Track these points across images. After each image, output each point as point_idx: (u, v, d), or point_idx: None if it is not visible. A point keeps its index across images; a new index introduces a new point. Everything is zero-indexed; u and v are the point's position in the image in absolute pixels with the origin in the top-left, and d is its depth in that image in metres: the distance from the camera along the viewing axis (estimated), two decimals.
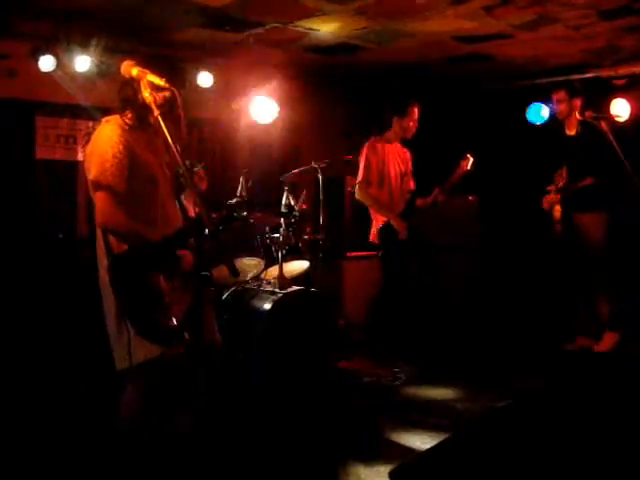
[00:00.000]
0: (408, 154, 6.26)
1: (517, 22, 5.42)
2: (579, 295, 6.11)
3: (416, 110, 5.95)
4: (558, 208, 5.93)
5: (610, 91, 6.70)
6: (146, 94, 2.97)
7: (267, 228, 5.00)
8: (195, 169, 5.84)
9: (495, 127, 7.23)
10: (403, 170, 6.16)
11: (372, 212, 6.11)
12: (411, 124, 5.98)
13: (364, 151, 6.03)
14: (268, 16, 5.33)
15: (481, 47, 6.22)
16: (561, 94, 5.88)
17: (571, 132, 5.96)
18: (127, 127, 3.15)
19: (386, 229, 5.88)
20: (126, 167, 3.05)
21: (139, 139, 3.18)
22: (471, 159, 5.91)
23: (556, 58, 6.57)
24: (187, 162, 5.88)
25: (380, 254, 6.06)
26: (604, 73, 6.66)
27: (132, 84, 3.11)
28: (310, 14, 5.25)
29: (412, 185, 6.18)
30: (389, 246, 5.91)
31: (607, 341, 5.92)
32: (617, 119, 5.91)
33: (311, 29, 5.66)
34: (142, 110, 3.12)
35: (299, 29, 5.66)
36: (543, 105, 6.66)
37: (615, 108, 6.23)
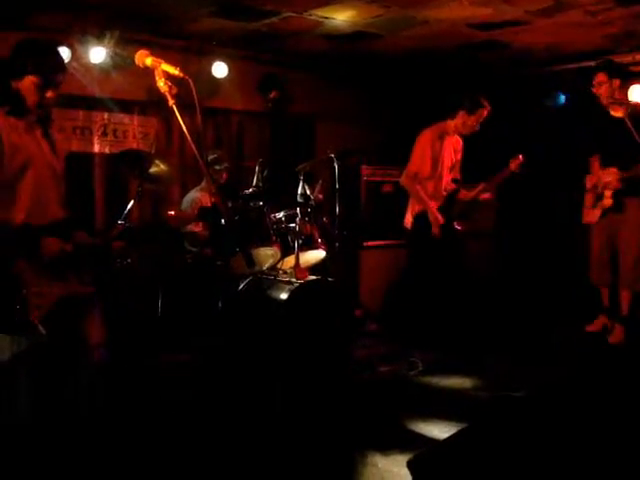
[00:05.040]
0: (461, 144, 6.21)
1: (533, 8, 5.37)
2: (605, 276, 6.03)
3: (485, 112, 5.88)
4: (609, 194, 5.76)
5: (628, 78, 6.62)
6: (160, 83, 2.97)
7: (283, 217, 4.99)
8: (217, 167, 5.83)
9: (512, 114, 7.16)
10: (455, 160, 6.13)
11: (411, 199, 6.08)
12: (475, 124, 5.92)
13: (422, 140, 5.97)
14: (283, 5, 5.31)
15: (496, 34, 6.16)
16: (601, 76, 5.71)
17: (617, 114, 5.74)
18: (4, 114, 3.13)
19: (422, 218, 5.85)
20: None
21: (16, 126, 3.15)
22: (521, 159, 5.85)
23: (572, 44, 6.50)
24: (213, 155, 5.83)
25: (409, 241, 6.04)
26: (621, 59, 6.57)
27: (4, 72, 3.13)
28: (325, 2, 5.23)
29: (458, 175, 6.15)
30: (421, 236, 5.89)
31: (618, 333, 5.89)
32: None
33: (326, 17, 5.64)
34: (18, 98, 3.12)
35: (314, 18, 5.64)
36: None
37: (633, 94, 6.14)
